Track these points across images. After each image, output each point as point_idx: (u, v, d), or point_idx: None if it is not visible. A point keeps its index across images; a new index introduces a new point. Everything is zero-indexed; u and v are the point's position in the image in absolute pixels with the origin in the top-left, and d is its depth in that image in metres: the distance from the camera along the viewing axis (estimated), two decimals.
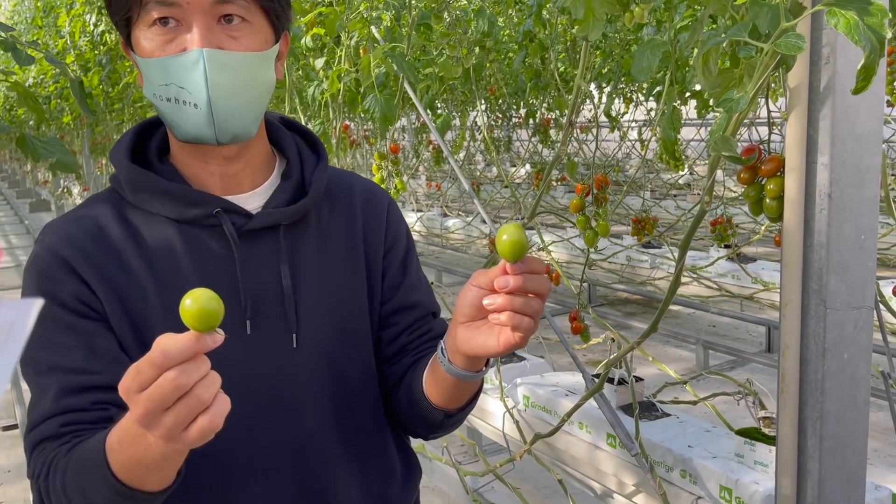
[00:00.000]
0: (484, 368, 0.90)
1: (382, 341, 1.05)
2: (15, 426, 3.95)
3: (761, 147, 1.14)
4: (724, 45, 1.09)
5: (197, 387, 0.64)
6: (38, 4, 7.17)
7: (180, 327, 0.65)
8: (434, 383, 0.94)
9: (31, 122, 8.80)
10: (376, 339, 1.04)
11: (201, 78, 0.82)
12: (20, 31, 8.58)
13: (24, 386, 4.38)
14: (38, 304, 0.33)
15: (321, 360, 0.96)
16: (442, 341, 0.90)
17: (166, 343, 0.64)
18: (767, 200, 1.16)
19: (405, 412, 1.01)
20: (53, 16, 6.55)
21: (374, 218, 1.04)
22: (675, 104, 1.31)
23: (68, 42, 5.88)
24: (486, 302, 0.79)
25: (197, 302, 0.64)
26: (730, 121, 0.96)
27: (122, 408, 0.83)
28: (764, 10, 1.03)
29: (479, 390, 0.99)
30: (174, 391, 0.64)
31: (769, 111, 1.20)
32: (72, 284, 0.87)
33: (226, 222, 0.90)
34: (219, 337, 0.65)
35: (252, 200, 0.94)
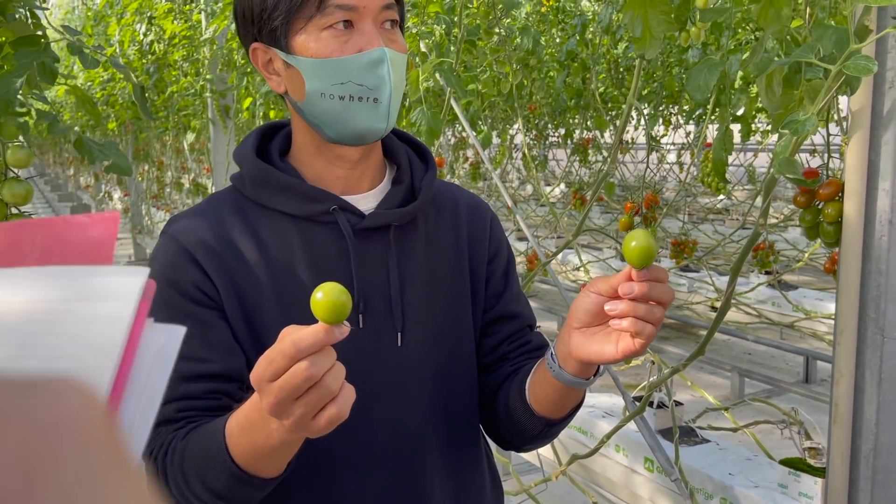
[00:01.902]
0: (593, 377, 0.91)
1: (482, 350, 1.06)
2: None
3: (820, 170, 1.12)
4: (784, 66, 1.07)
5: (326, 377, 0.67)
6: (90, 14, 7.38)
7: (293, 320, 0.68)
8: (539, 390, 0.94)
9: (76, 128, 9.01)
10: (476, 347, 1.06)
11: (385, 75, 0.88)
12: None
13: None
14: (183, 330, 0.34)
15: (424, 361, 0.98)
16: (552, 347, 0.91)
17: (297, 335, 0.66)
18: (825, 225, 1.14)
19: (502, 422, 1.02)
20: (104, 25, 6.73)
21: (478, 227, 1.07)
22: (728, 124, 1.29)
23: (117, 51, 6.03)
24: (608, 307, 0.79)
25: (328, 295, 0.66)
26: (794, 143, 0.95)
27: (232, 397, 0.89)
28: (828, 33, 1.02)
29: (582, 400, 0.99)
30: (306, 381, 0.66)
31: (829, 134, 1.18)
32: (193, 273, 0.91)
33: (342, 219, 0.94)
34: (346, 329, 0.67)
35: (365, 202, 0.98)
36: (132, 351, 0.29)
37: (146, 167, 8.49)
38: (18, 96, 1.60)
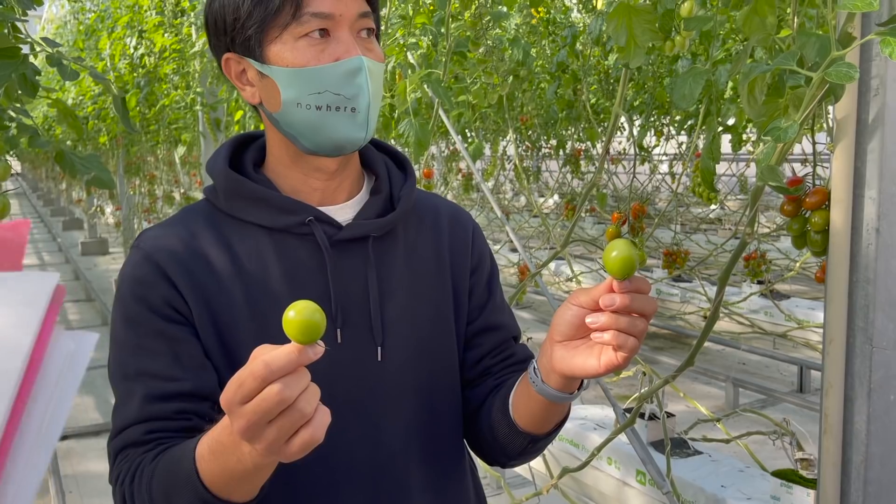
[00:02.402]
0: (577, 391, 0.88)
1: (465, 363, 1.04)
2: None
3: (805, 179, 1.12)
4: (769, 75, 1.07)
5: (299, 400, 0.64)
6: (81, 28, 7.37)
7: (267, 335, 0.66)
8: (522, 405, 0.92)
9: (68, 142, 9.00)
10: (460, 361, 1.03)
11: (363, 84, 0.87)
12: (63, 53, 8.80)
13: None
14: (95, 337, 0.34)
15: (405, 376, 0.95)
16: (534, 361, 0.88)
17: (269, 356, 0.64)
18: (812, 234, 1.13)
19: (486, 437, 1.00)
20: (95, 38, 6.72)
21: (459, 237, 1.05)
22: (716, 134, 1.29)
23: (108, 64, 6.02)
24: (589, 320, 0.78)
25: (301, 314, 0.63)
26: (777, 151, 0.94)
27: (204, 418, 0.86)
28: (811, 40, 1.01)
29: (567, 416, 0.97)
30: (278, 404, 0.64)
31: (815, 143, 1.18)
32: (163, 289, 0.89)
33: (318, 231, 0.92)
34: (320, 349, 0.65)
35: (342, 212, 0.96)
36: (40, 355, 0.29)
37: (137, 181, 8.46)
38: (24, 108, 1.59)
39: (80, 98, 7.39)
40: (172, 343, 0.88)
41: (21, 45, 1.35)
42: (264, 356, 0.64)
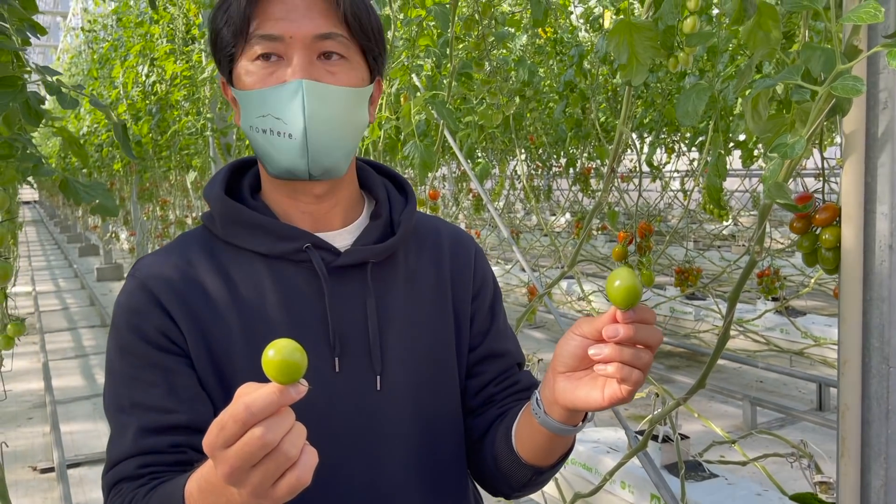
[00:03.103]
0: (581, 423, 0.86)
1: (468, 392, 1.01)
2: (52, 469, 3.96)
3: (815, 195, 1.09)
4: (774, 89, 1.05)
5: (284, 442, 0.62)
6: (94, 57, 7.48)
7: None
8: (525, 437, 0.89)
9: (84, 170, 9.10)
10: (462, 389, 1.01)
11: (299, 108, 0.84)
12: (77, 82, 8.94)
13: (64, 428, 4.41)
14: None
15: (405, 405, 0.93)
16: (537, 392, 0.86)
17: (250, 398, 0.62)
18: (823, 251, 1.10)
19: (489, 468, 0.97)
20: (108, 67, 6.81)
21: (461, 261, 1.02)
22: (721, 151, 1.26)
23: (121, 92, 6.09)
24: (591, 352, 0.75)
25: (280, 353, 0.61)
26: (784, 167, 0.92)
27: (199, 451, 0.83)
28: (817, 54, 0.99)
29: (572, 447, 0.94)
30: (261, 449, 0.61)
31: (823, 158, 1.15)
32: (157, 318, 0.87)
33: (315, 257, 0.90)
34: (302, 389, 0.63)
35: (341, 238, 0.94)
36: None
37: (150, 207, 8.53)
38: (27, 136, 1.60)
39: (95, 126, 7.48)
40: (167, 374, 0.86)
41: (25, 75, 1.35)
42: (245, 398, 0.62)
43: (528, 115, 4.42)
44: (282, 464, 0.63)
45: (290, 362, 0.61)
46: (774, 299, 5.00)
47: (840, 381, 1.11)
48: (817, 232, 1.11)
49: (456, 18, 2.00)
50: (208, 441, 0.63)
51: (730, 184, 9.40)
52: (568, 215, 9.48)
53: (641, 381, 0.75)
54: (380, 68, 0.94)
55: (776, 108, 1.03)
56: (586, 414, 0.85)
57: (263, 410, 0.61)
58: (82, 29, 8.24)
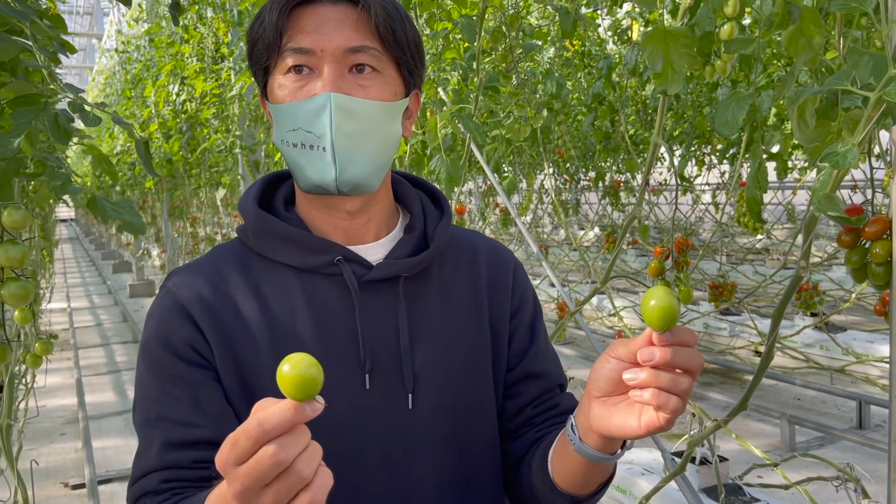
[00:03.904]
0: (620, 451, 0.81)
1: (505, 413, 0.98)
2: (83, 485, 3.97)
3: (864, 207, 1.03)
4: (819, 97, 1.00)
5: (297, 462, 0.60)
6: (128, 77, 7.62)
7: None
8: (561, 464, 0.86)
9: (117, 188, 9.26)
10: (499, 410, 0.97)
11: (327, 122, 0.83)
12: (111, 102, 9.10)
13: (96, 444, 4.43)
14: None
15: (438, 425, 0.90)
16: (572, 417, 0.82)
17: (263, 414, 0.59)
18: (873, 266, 1.04)
19: (525, 494, 0.93)
20: (141, 87, 6.93)
21: (499, 278, 0.99)
22: (761, 162, 1.21)
23: (153, 111, 6.18)
24: (626, 376, 0.71)
25: (295, 368, 0.59)
26: (833, 177, 0.86)
27: None
28: (864, 59, 0.94)
29: (612, 475, 0.90)
30: (273, 467, 0.59)
31: (871, 168, 1.10)
32: (185, 331, 0.86)
33: (346, 271, 0.88)
34: (318, 406, 0.60)
35: (374, 252, 0.92)
36: None
37: (181, 224, 8.63)
38: (56, 155, 1.60)
39: (128, 145, 7.60)
40: (193, 388, 0.85)
41: (58, 93, 1.35)
42: (258, 414, 0.59)
43: (556, 128, 4.38)
44: (294, 484, 0.60)
45: (306, 377, 0.59)
46: (813, 314, 4.87)
47: (892, 402, 1.05)
48: (867, 246, 1.05)
49: (483, 31, 1.98)
50: (221, 457, 0.61)
51: (763, 196, 9.23)
52: (597, 229, 9.39)
53: (681, 408, 0.70)
54: (416, 81, 0.92)
55: (822, 114, 0.98)
56: (625, 441, 0.81)
57: (277, 428, 0.59)
58: (116, 50, 8.40)
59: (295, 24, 0.85)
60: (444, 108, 1.93)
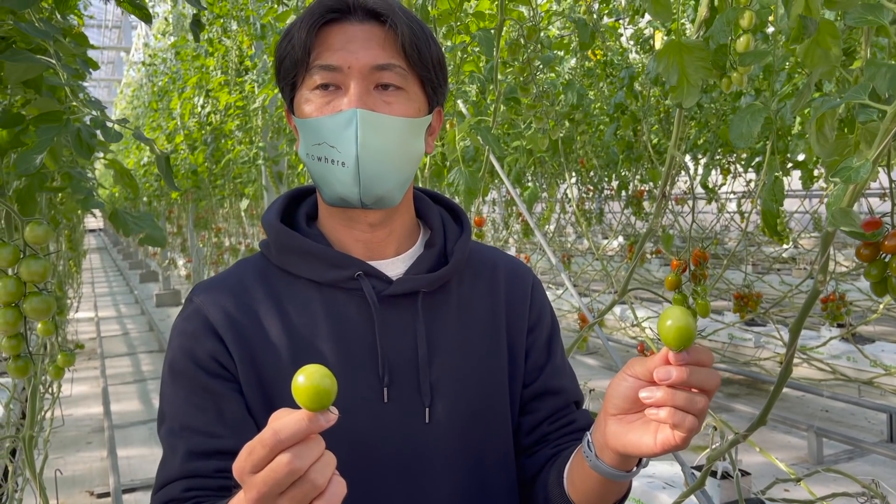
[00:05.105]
0: (636, 468, 0.82)
1: (521, 429, 0.99)
2: (107, 494, 4.02)
3: (884, 220, 1.02)
4: (839, 109, 0.98)
5: (311, 471, 0.62)
6: (154, 89, 7.74)
7: None
8: (577, 481, 0.86)
9: (143, 199, 9.39)
10: (515, 426, 0.98)
11: (352, 137, 0.84)
12: (138, 114, 9.24)
13: (121, 453, 4.48)
14: None
15: (455, 440, 0.91)
16: (588, 434, 0.83)
17: (278, 423, 0.61)
18: (894, 279, 1.02)
19: None
20: (167, 99, 7.03)
21: (517, 294, 1.00)
22: (778, 174, 1.20)
23: (179, 123, 6.26)
24: (643, 395, 0.72)
25: (310, 379, 0.61)
26: (849, 191, 0.85)
27: None
28: (882, 71, 0.93)
29: (628, 493, 0.90)
30: (288, 476, 0.61)
31: (891, 181, 1.08)
32: (209, 343, 0.88)
33: (366, 286, 0.89)
34: (332, 416, 0.62)
35: (394, 267, 0.93)
36: None
37: (206, 234, 8.73)
38: (81, 170, 1.64)
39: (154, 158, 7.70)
40: (216, 398, 0.87)
41: (81, 109, 1.38)
42: (274, 423, 0.61)
43: (578, 138, 4.37)
44: (308, 492, 0.62)
45: (320, 388, 0.61)
46: (840, 325, 4.79)
47: None
48: (887, 259, 1.04)
49: (501, 43, 1.98)
50: (238, 465, 0.63)
51: (789, 205, 9.13)
52: (621, 239, 9.33)
53: (697, 427, 0.70)
54: (439, 98, 0.94)
55: (838, 128, 0.97)
56: (640, 459, 0.81)
57: (292, 437, 0.60)
58: (143, 63, 8.54)
59: (323, 42, 0.87)
60: (464, 121, 1.94)
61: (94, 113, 1.18)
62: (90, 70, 1.66)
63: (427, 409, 0.89)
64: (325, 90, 0.87)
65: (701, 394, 0.70)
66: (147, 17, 1.28)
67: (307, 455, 0.61)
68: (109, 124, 1.17)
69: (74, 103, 1.16)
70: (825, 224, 0.94)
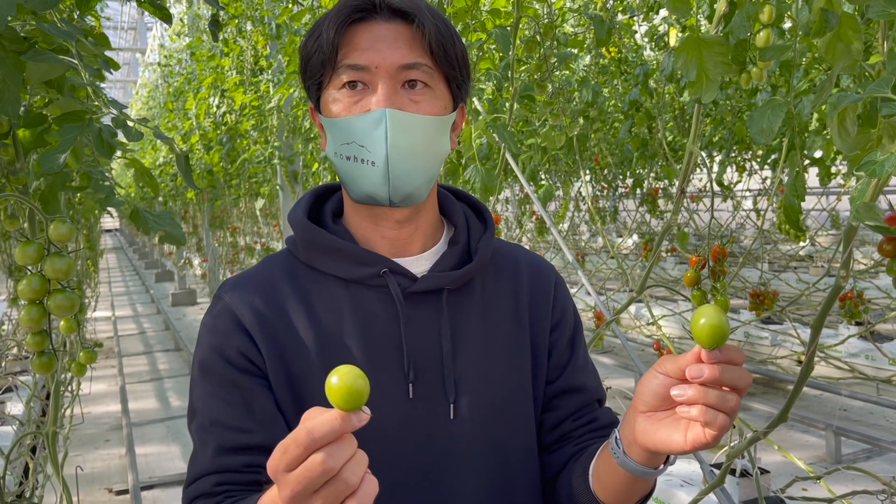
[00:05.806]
0: (663, 466, 0.82)
1: (544, 426, 0.99)
2: (126, 491, 4.05)
3: None
4: (860, 104, 0.98)
5: (344, 469, 0.62)
6: (170, 90, 7.79)
7: None
8: (603, 477, 0.87)
9: (159, 198, 9.46)
10: (538, 423, 0.99)
11: (382, 136, 0.85)
12: (153, 115, 9.30)
13: (139, 451, 4.52)
14: None
15: (479, 436, 0.92)
16: (617, 430, 0.83)
17: (312, 423, 0.62)
18: None
19: None
20: (182, 100, 7.08)
21: (540, 291, 1.01)
22: (798, 169, 1.19)
23: (194, 123, 6.30)
24: (674, 392, 0.72)
25: (343, 380, 0.62)
26: (871, 186, 0.85)
27: None
28: None
29: (653, 490, 0.90)
30: (322, 475, 0.62)
31: None
32: (238, 339, 0.89)
33: (392, 283, 0.90)
34: (364, 416, 0.63)
35: (418, 264, 0.94)
36: None
37: (221, 234, 8.77)
38: (99, 169, 1.66)
39: (171, 157, 7.77)
40: (246, 394, 0.88)
41: (103, 109, 1.40)
42: (308, 422, 0.62)
43: (593, 135, 4.35)
44: (342, 491, 0.62)
45: (353, 389, 0.61)
46: (858, 324, 4.75)
47: None
48: None
49: (517, 41, 1.98)
50: (272, 463, 0.64)
51: (806, 202, 9.05)
52: (635, 237, 9.29)
53: (727, 425, 0.70)
54: (463, 95, 0.95)
55: (860, 123, 0.96)
56: (668, 456, 0.81)
57: (325, 437, 0.61)
58: (159, 64, 8.60)
59: (350, 41, 0.87)
60: (480, 118, 1.94)
61: (114, 112, 1.19)
62: (111, 70, 1.67)
63: (451, 406, 0.90)
64: (352, 89, 0.87)
65: (732, 392, 0.70)
66: (168, 18, 1.29)
67: (340, 454, 0.62)
68: (130, 124, 1.18)
69: (96, 103, 1.18)
70: (845, 220, 0.94)
